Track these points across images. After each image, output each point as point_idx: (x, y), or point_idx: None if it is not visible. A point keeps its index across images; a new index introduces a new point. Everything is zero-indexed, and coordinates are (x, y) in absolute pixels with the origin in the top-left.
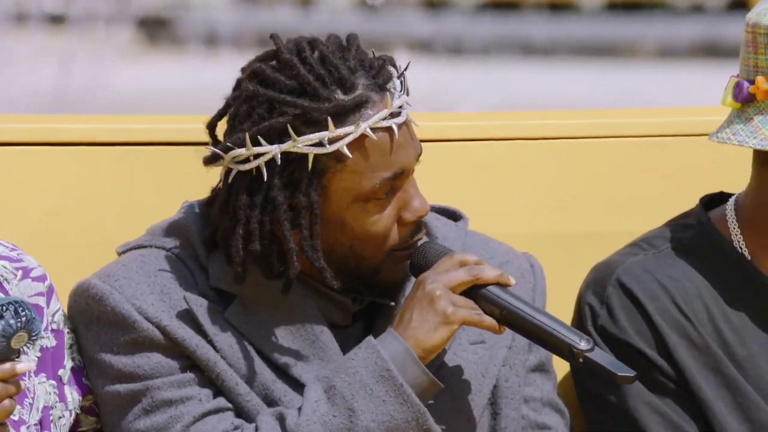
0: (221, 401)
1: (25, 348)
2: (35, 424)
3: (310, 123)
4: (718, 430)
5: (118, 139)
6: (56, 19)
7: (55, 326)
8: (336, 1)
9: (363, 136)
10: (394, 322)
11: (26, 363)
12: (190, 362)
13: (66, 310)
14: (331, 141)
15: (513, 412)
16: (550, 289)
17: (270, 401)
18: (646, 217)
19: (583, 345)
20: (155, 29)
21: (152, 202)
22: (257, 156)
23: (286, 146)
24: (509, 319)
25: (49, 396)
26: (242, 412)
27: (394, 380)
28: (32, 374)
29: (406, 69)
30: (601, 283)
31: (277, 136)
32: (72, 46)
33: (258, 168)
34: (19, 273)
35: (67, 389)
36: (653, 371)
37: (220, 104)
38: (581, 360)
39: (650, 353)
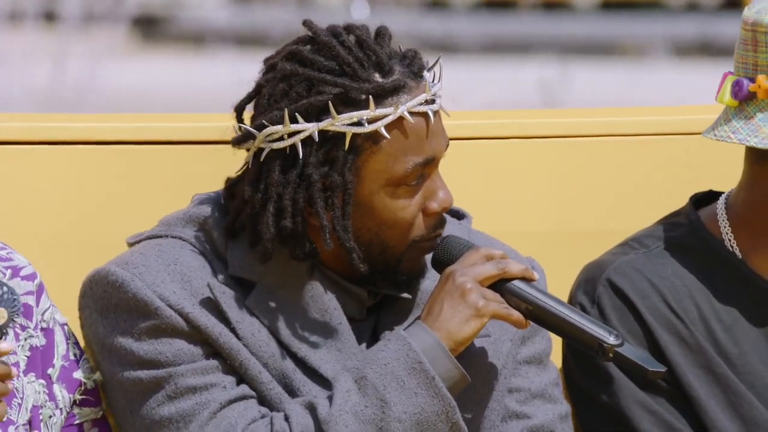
0: (245, 389)
1: (8, 330)
2: (24, 424)
3: (348, 103)
4: (710, 427)
5: (113, 138)
6: (50, 17)
7: (44, 324)
8: (331, 1)
9: (400, 119)
10: (422, 315)
11: (8, 343)
12: (212, 350)
13: (79, 299)
14: (370, 121)
15: (494, 403)
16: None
17: (289, 390)
18: (641, 214)
19: (612, 340)
20: (149, 28)
21: (147, 201)
22: (293, 134)
23: (324, 124)
24: (536, 314)
25: (39, 395)
26: (264, 401)
27: (427, 373)
28: (21, 374)
29: (438, 61)
30: (592, 282)
31: (315, 114)
32: (66, 45)
33: (293, 146)
34: (8, 272)
35: (56, 388)
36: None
37: (214, 103)
38: (611, 355)
39: None
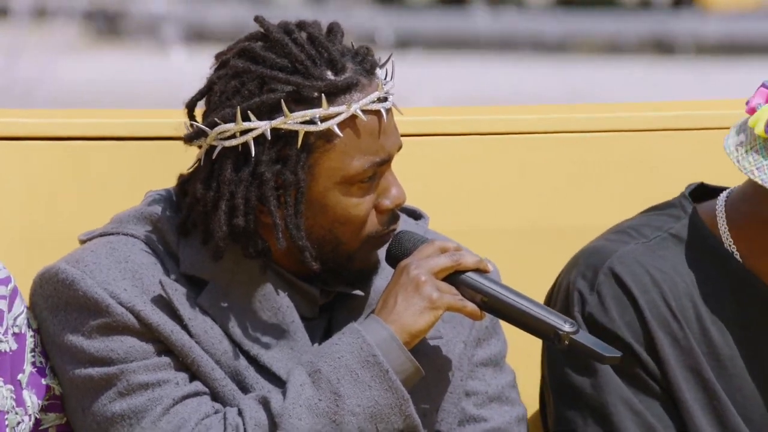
0: (198, 385)
1: None
2: None
3: (301, 101)
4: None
5: (65, 134)
6: (2, 12)
7: (16, 329)
8: None
9: (353, 118)
10: (377, 308)
11: None
12: (164, 347)
13: (29, 298)
14: (323, 119)
15: (451, 406)
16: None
17: (242, 388)
18: (602, 212)
19: (567, 327)
20: (103, 23)
21: (100, 198)
22: (245, 132)
23: (277, 122)
24: (491, 305)
25: (6, 401)
26: (218, 398)
27: (380, 366)
28: None
29: (390, 58)
30: (593, 269)
31: (268, 112)
32: (18, 39)
33: (245, 144)
34: None
35: (26, 393)
36: (636, 366)
37: (167, 98)
38: (566, 342)
39: (637, 348)
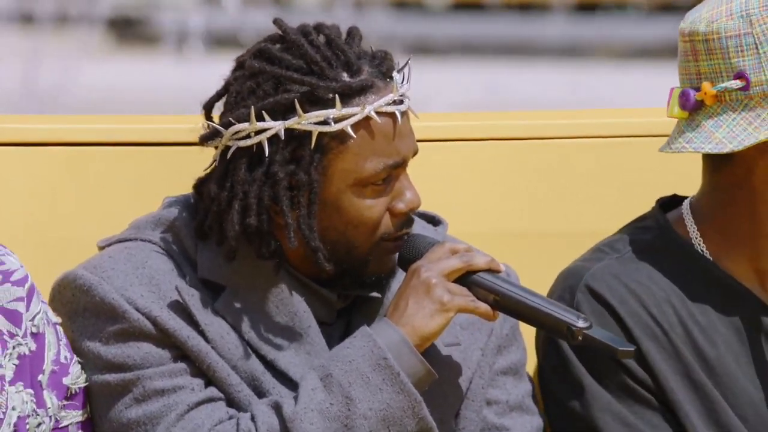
0: (213, 391)
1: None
2: None
3: (315, 101)
4: None
5: (86, 140)
6: (25, 18)
7: (34, 329)
8: (306, 2)
9: (367, 119)
10: (388, 311)
11: None
12: (180, 353)
13: (48, 304)
14: (336, 120)
15: (472, 414)
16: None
17: (258, 393)
18: (615, 217)
19: (581, 323)
20: (125, 29)
21: (121, 203)
22: (259, 132)
23: (291, 123)
24: (504, 304)
25: (26, 405)
26: (233, 403)
27: (391, 369)
28: (6, 383)
29: (407, 63)
30: (570, 290)
31: (282, 112)
32: (41, 46)
33: (259, 144)
34: None
35: (46, 394)
36: (624, 376)
37: (188, 104)
38: (580, 338)
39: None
